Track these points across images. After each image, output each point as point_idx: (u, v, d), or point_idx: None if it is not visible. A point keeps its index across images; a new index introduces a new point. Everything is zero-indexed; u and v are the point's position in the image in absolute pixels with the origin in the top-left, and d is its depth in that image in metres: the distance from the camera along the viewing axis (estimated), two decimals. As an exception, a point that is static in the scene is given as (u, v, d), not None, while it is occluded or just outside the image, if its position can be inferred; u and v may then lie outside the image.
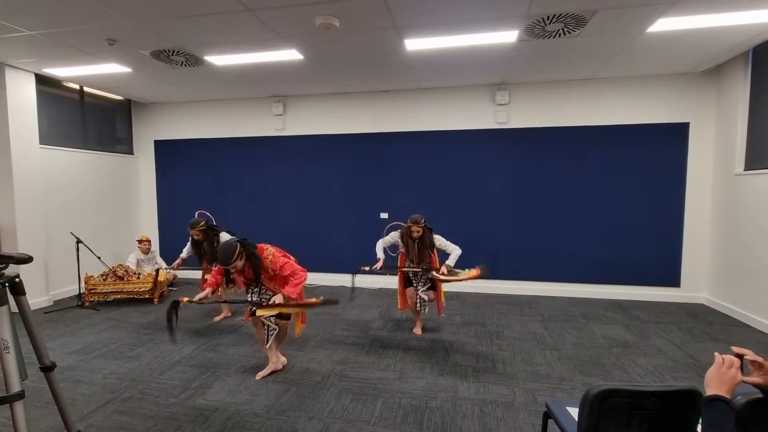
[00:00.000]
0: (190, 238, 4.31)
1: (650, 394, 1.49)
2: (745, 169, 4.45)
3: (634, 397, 1.49)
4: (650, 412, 1.50)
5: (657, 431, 1.53)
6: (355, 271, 3.88)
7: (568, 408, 1.84)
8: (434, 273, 3.76)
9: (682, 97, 5.02)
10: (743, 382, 1.09)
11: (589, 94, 5.25)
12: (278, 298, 2.90)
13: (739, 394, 1.23)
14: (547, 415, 1.93)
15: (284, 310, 2.96)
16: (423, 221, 3.75)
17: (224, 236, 4.26)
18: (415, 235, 3.76)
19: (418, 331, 4.04)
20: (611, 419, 1.52)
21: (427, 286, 3.91)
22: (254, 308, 2.93)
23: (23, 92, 4.78)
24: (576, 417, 1.65)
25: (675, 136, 5.07)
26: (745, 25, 3.57)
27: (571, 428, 1.68)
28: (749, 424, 1.30)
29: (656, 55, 4.31)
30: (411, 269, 3.88)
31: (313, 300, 2.93)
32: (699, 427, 1.55)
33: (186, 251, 4.42)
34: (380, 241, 3.96)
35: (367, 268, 3.83)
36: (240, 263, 2.90)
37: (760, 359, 1.11)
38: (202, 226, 4.19)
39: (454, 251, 3.78)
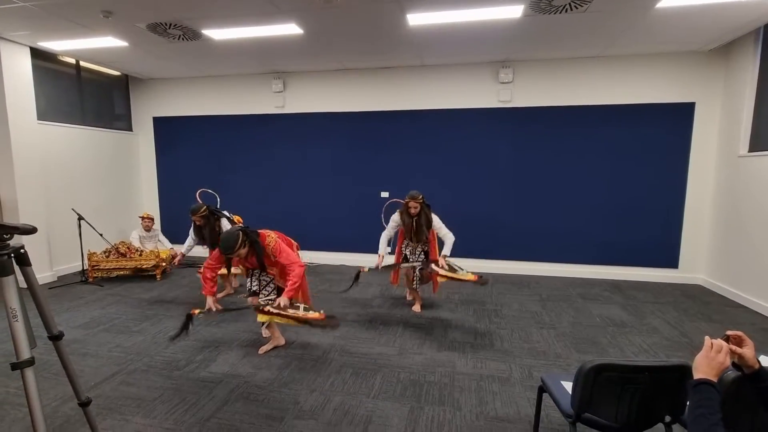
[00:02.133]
0: (192, 224, 4.30)
1: (643, 369, 1.53)
2: (749, 151, 4.41)
3: (627, 372, 1.54)
4: (642, 386, 1.54)
5: (648, 404, 1.58)
6: (356, 273, 3.89)
7: (562, 382, 1.89)
8: (433, 266, 3.79)
9: (689, 76, 4.93)
10: (733, 352, 1.11)
11: (594, 72, 5.15)
12: (282, 301, 2.86)
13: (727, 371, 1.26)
14: (542, 389, 1.98)
15: (285, 321, 2.91)
16: (421, 197, 3.75)
17: (225, 222, 4.26)
18: (412, 211, 3.76)
19: (417, 308, 4.10)
20: (604, 393, 1.57)
21: (421, 267, 3.95)
22: (257, 307, 2.92)
23: (19, 66, 4.70)
24: (570, 391, 1.70)
25: (680, 116, 5.00)
26: (757, 1, 3.46)
27: (564, 401, 1.73)
28: (732, 402, 1.35)
29: (665, 32, 4.21)
30: (410, 264, 3.92)
31: (316, 315, 2.83)
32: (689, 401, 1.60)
33: (186, 247, 4.35)
34: (384, 233, 3.98)
35: (366, 269, 3.85)
36: (243, 251, 2.90)
37: (739, 333, 1.14)
38: (203, 211, 4.17)
39: (448, 239, 3.80)
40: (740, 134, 4.49)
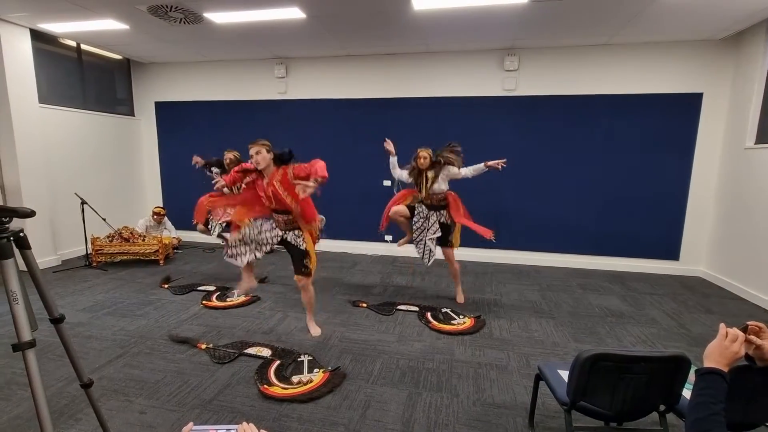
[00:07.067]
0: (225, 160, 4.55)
1: (639, 359, 1.54)
2: (756, 143, 4.35)
3: (624, 362, 1.55)
4: (638, 376, 1.55)
5: (643, 393, 1.60)
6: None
7: (559, 371, 1.90)
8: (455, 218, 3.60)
9: (699, 66, 4.84)
10: (748, 342, 1.05)
11: (602, 61, 5.06)
12: (310, 184, 2.89)
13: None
14: (539, 377, 2.00)
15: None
16: (431, 151, 3.60)
17: None
18: (421, 161, 3.59)
19: (460, 299, 4.01)
20: (600, 381, 1.58)
21: (436, 235, 3.73)
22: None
23: (19, 48, 4.66)
24: (566, 379, 1.71)
25: (687, 107, 4.92)
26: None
27: (560, 389, 1.75)
28: (733, 390, 1.35)
29: (675, 19, 4.11)
30: (429, 236, 3.66)
31: (318, 379, 2.60)
32: (684, 391, 1.61)
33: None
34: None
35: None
36: (266, 156, 3.04)
37: (761, 324, 1.08)
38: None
39: (475, 166, 3.61)
40: (747, 126, 4.42)
